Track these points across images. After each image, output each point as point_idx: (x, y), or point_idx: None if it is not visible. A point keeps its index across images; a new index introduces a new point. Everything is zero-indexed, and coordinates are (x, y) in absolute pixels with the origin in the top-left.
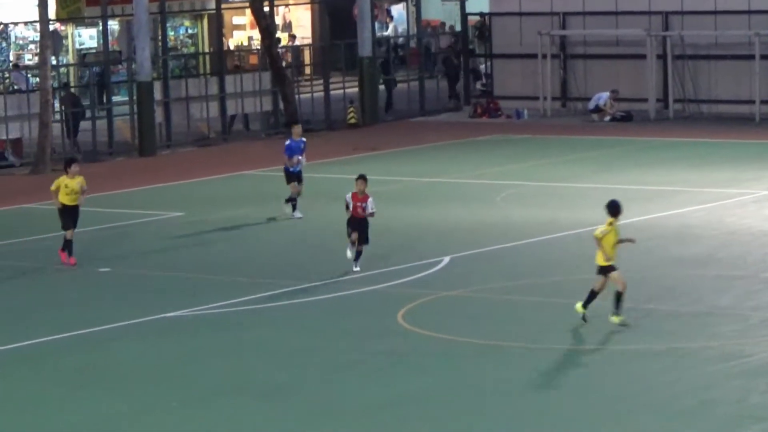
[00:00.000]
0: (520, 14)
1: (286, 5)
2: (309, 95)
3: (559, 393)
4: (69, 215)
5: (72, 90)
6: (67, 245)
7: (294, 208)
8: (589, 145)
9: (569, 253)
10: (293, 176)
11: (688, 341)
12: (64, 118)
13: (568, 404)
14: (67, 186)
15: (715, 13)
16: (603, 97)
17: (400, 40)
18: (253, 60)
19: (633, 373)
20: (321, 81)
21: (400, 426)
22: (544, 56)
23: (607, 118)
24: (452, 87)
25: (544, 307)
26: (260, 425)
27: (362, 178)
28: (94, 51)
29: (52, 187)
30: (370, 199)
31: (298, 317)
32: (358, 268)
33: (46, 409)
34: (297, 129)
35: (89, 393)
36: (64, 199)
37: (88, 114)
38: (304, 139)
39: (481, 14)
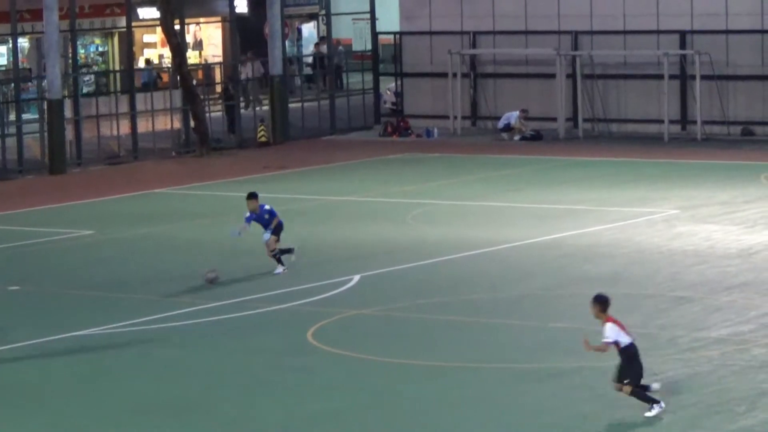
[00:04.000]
0: (431, 33)
1: (197, 23)
2: (219, 113)
3: (468, 410)
4: None
5: None
6: None
7: (279, 261)
8: (500, 164)
9: (480, 271)
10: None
11: (596, 360)
12: None
13: (477, 421)
14: None
15: (624, 33)
16: (513, 116)
17: (310, 59)
18: (165, 78)
19: (541, 392)
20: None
21: None
22: (455, 75)
23: (517, 137)
24: None
25: (455, 325)
26: None
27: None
28: (3, 68)
29: None
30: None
31: (209, 335)
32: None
33: None
34: (252, 204)
35: None
36: None
37: None
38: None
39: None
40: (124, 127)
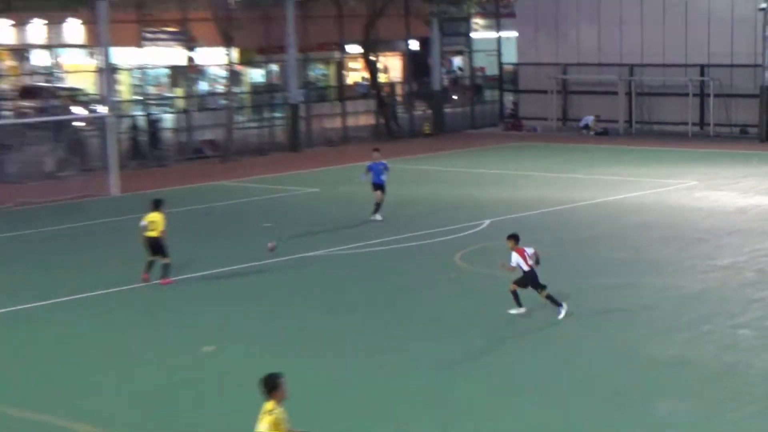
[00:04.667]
0: (537, 64)
1: (385, 56)
2: (400, 114)
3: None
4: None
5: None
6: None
7: (377, 210)
8: (580, 150)
9: (569, 217)
10: (377, 186)
11: (639, 277)
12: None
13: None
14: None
15: (663, 65)
16: (589, 119)
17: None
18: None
19: (614, 298)
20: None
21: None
22: (552, 92)
23: (592, 132)
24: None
25: (561, 253)
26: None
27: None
28: (262, 83)
29: (150, 219)
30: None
31: (388, 256)
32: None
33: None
34: (376, 154)
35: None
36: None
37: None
38: (384, 162)
39: (512, 64)
40: (338, 123)
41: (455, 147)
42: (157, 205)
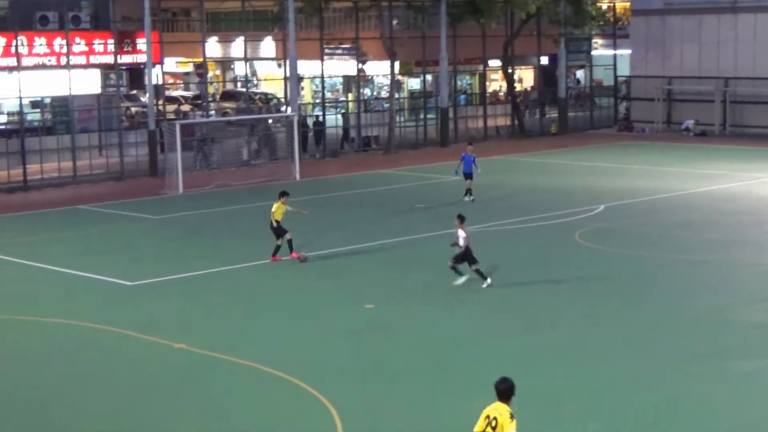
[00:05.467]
0: (646, 77)
1: (520, 68)
2: (531, 117)
3: (671, 282)
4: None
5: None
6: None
7: (468, 194)
8: (680, 148)
9: (672, 204)
10: (467, 175)
11: (727, 255)
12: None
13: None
14: (279, 210)
15: (754, 78)
16: (690, 122)
17: (580, 89)
18: (501, 98)
19: (721, 274)
20: (538, 109)
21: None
22: (658, 99)
23: (692, 134)
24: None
25: (670, 235)
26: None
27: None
28: (418, 90)
29: (275, 210)
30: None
31: (519, 234)
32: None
33: None
34: (469, 148)
35: None
36: (279, 217)
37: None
38: (473, 155)
39: (625, 76)
40: (479, 123)
41: (576, 144)
42: (281, 196)
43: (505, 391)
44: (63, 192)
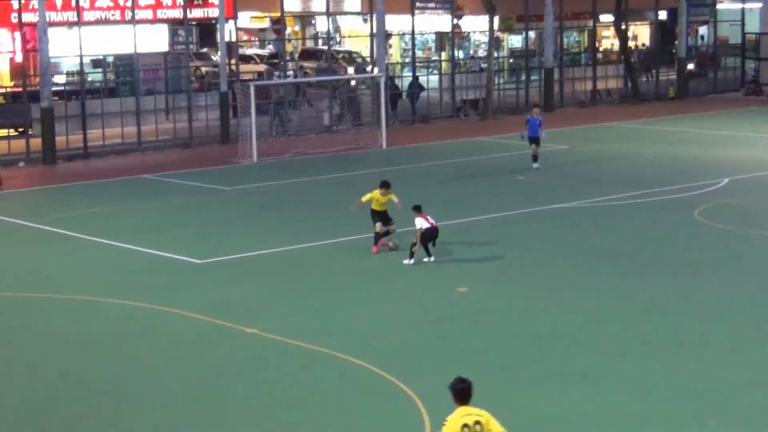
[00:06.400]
0: None
1: (635, 25)
2: (646, 79)
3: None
4: (379, 216)
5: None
6: (376, 237)
7: (535, 160)
8: None
9: None
10: (533, 140)
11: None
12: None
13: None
14: (378, 200)
15: None
16: None
17: (702, 48)
18: (613, 57)
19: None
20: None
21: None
22: None
23: None
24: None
25: None
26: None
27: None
28: (519, 49)
29: (364, 198)
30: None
31: (631, 209)
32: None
33: None
34: (536, 110)
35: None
36: (376, 207)
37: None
38: (540, 117)
39: (755, 33)
40: (588, 85)
41: (697, 110)
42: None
43: (464, 391)
44: (126, 160)
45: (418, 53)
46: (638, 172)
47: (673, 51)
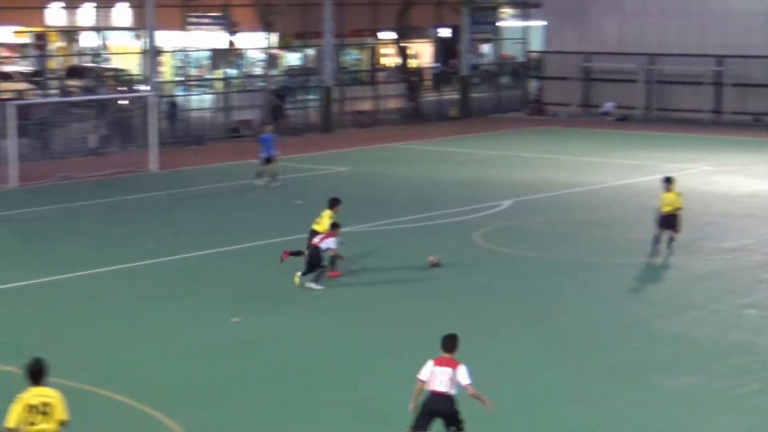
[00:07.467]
0: (561, 53)
1: (416, 42)
2: (428, 98)
3: (565, 278)
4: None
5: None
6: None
7: (261, 178)
8: (599, 135)
9: (585, 200)
10: (268, 159)
11: (648, 257)
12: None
13: (579, 286)
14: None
15: (682, 55)
16: (610, 105)
17: (485, 66)
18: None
19: (623, 275)
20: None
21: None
22: (575, 78)
23: (612, 118)
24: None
25: (570, 234)
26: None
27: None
28: (299, 67)
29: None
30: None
31: (412, 233)
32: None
33: None
34: (268, 128)
35: None
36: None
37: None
38: (272, 135)
39: (538, 51)
40: (369, 105)
41: (480, 130)
42: (331, 205)
43: (36, 372)
44: None
45: (192, 71)
46: (420, 195)
47: (453, 70)
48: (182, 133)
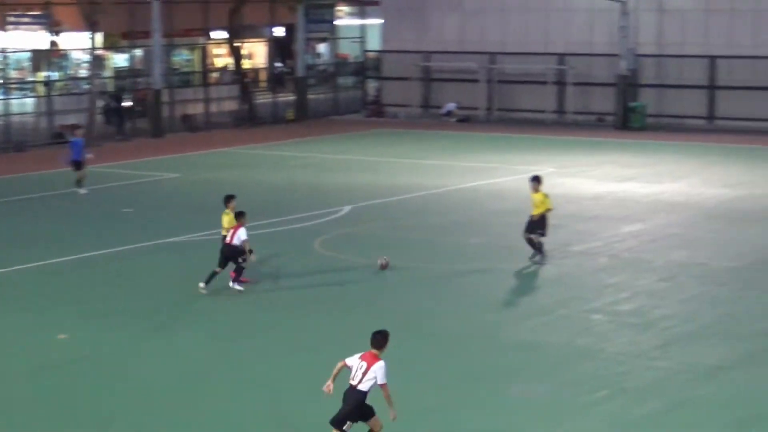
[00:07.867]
0: (399, 52)
1: (250, 42)
2: (263, 100)
3: (416, 291)
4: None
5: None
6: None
7: (79, 185)
8: (441, 137)
9: (428, 204)
10: (77, 164)
11: (494, 263)
12: (105, 110)
13: (423, 297)
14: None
15: (524, 53)
16: (451, 105)
17: (322, 67)
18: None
19: (465, 281)
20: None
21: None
22: (415, 79)
23: (454, 119)
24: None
25: (418, 240)
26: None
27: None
28: (126, 69)
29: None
30: None
31: (251, 241)
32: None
33: None
34: (79, 132)
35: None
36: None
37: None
38: (83, 139)
39: (376, 51)
40: (201, 108)
41: (318, 133)
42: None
43: None
44: None
45: (12, 73)
46: (257, 201)
47: (288, 71)
48: (1, 139)
